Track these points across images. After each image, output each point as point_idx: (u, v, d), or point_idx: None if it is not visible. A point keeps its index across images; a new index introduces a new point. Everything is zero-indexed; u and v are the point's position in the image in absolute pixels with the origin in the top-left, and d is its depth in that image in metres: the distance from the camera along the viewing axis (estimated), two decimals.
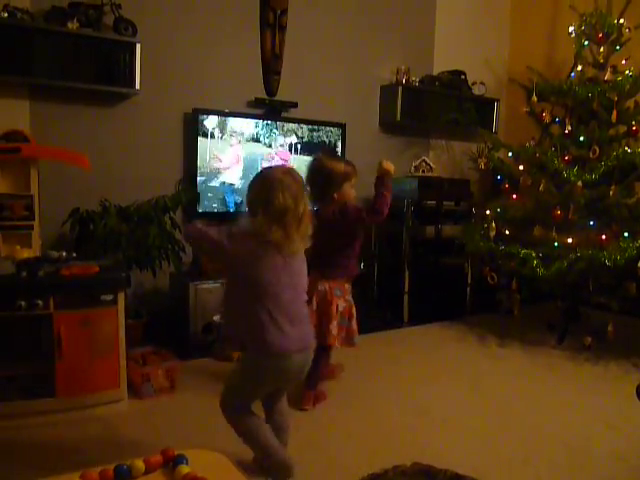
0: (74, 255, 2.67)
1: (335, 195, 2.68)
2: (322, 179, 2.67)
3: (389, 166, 2.65)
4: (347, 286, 2.76)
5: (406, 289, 4.14)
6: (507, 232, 3.82)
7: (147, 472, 1.15)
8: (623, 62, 3.82)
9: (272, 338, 1.81)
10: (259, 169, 2.25)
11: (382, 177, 2.64)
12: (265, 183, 1.86)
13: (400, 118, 4.33)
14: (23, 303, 2.28)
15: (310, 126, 3.97)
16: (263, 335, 1.81)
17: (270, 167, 2.16)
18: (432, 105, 4.47)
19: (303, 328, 1.90)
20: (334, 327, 2.64)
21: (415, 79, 4.43)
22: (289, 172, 1.91)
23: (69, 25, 3.02)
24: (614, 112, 3.64)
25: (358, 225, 2.73)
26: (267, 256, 1.82)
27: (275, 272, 1.83)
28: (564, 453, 2.27)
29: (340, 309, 2.67)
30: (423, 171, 4.46)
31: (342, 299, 2.69)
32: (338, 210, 2.66)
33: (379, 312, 4.09)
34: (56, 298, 2.35)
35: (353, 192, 2.75)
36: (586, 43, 3.94)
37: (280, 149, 3.85)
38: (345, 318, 2.70)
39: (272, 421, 2.03)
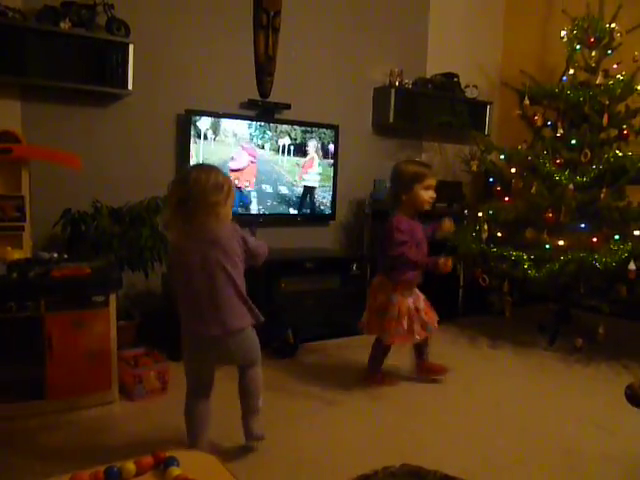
0: (65, 256, 2.66)
1: (404, 197, 2.78)
2: (392, 182, 2.86)
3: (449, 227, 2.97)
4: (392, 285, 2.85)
5: None
6: (499, 234, 3.84)
7: (138, 474, 1.15)
8: (614, 66, 3.84)
9: (186, 327, 2.09)
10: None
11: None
12: (178, 180, 2.09)
13: (393, 120, 4.34)
14: (13, 305, 2.27)
15: (303, 127, 3.98)
16: (183, 324, 2.10)
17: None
18: (425, 107, 4.48)
19: (215, 316, 2.03)
20: (365, 317, 2.92)
21: (408, 81, 4.44)
22: (200, 167, 2.21)
23: (61, 25, 3.01)
24: (605, 116, 3.66)
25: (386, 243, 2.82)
26: (181, 256, 2.05)
27: (188, 269, 2.02)
28: (556, 454, 2.28)
29: (377, 301, 2.85)
30: None
31: (381, 293, 2.85)
32: (388, 221, 2.82)
33: None
34: (47, 300, 2.34)
35: (427, 194, 2.79)
36: (578, 47, 3.97)
37: (247, 145, 3.80)
38: (379, 311, 2.85)
39: (240, 385, 2.19)
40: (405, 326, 2.79)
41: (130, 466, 1.15)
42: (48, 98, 3.17)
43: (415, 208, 2.82)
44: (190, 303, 2.05)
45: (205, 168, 2.09)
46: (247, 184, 3.79)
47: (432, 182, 2.80)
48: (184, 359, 2.13)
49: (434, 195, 2.82)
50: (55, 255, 2.62)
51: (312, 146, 4.05)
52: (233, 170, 3.69)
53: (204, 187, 1.97)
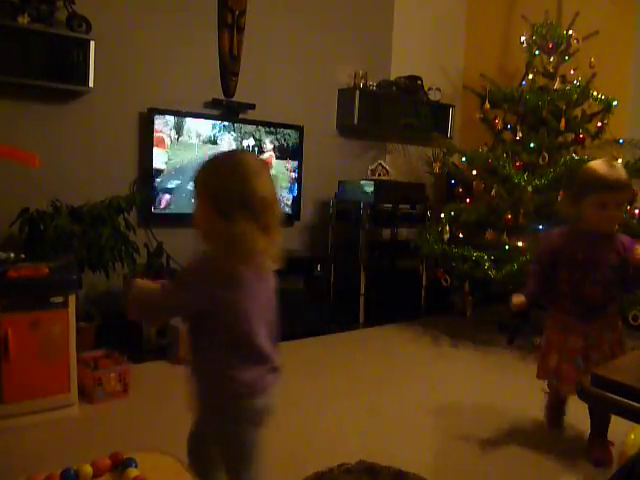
0: (22, 256, 2.60)
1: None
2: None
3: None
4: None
5: (362, 291, 4.17)
6: (460, 235, 3.91)
7: (95, 476, 1.14)
8: (572, 72, 3.96)
9: None
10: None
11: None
12: (241, 168, 1.38)
13: (357, 122, 4.37)
14: None
15: (268, 128, 3.97)
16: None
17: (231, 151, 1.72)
18: (389, 109, 4.53)
19: None
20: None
21: (372, 83, 4.48)
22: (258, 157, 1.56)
23: (19, 19, 2.94)
24: (562, 120, 3.77)
25: None
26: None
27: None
28: (516, 451, 2.33)
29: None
30: (379, 174, 4.51)
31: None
32: None
33: (335, 313, 4.10)
34: (3, 300, 2.28)
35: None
36: (537, 53, 4.07)
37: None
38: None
39: None
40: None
41: (87, 468, 1.14)
42: (5, 95, 3.09)
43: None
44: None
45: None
46: None
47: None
48: None
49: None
50: (12, 255, 2.56)
51: (269, 145, 4.00)
52: None
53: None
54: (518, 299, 2.26)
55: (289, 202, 4.14)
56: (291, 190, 4.14)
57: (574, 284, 2.16)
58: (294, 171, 4.13)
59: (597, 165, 2.06)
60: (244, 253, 1.34)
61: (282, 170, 4.07)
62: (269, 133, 3.97)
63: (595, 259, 2.10)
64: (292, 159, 4.11)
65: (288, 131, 4.05)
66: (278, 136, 4.02)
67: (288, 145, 4.08)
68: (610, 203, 1.99)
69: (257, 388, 1.45)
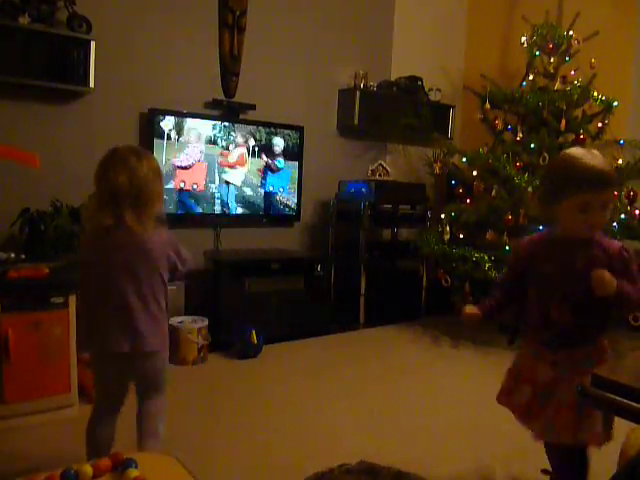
0: (23, 257, 2.61)
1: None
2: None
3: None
4: None
5: (362, 291, 4.18)
6: (461, 236, 3.92)
7: (95, 476, 1.13)
8: (572, 73, 3.96)
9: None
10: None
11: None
12: (104, 160, 1.82)
13: (358, 122, 4.37)
14: None
15: (268, 128, 3.97)
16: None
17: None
18: (389, 110, 4.53)
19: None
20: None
21: (373, 84, 4.48)
22: (134, 150, 1.86)
23: (20, 20, 2.94)
24: (563, 121, 3.78)
25: None
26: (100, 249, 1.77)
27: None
28: (515, 450, 2.33)
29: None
30: (380, 175, 4.51)
31: None
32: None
33: (335, 313, 4.10)
34: (3, 301, 2.29)
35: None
36: (537, 53, 4.08)
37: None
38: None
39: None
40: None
41: (87, 469, 1.14)
42: (6, 95, 3.09)
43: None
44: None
45: (135, 148, 1.84)
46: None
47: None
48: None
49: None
50: (12, 255, 2.56)
51: (242, 141, 3.88)
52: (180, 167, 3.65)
53: (141, 174, 1.72)
54: (471, 310, 1.87)
55: (256, 198, 3.97)
56: (263, 186, 3.99)
57: (541, 303, 1.74)
58: (268, 164, 4.01)
59: (577, 154, 1.59)
60: (86, 225, 1.87)
61: (257, 167, 3.96)
62: (244, 131, 3.88)
63: (565, 272, 1.65)
64: (292, 159, 4.10)
65: (288, 131, 4.05)
66: (254, 135, 3.93)
67: (260, 141, 3.95)
68: (594, 204, 1.55)
69: (83, 340, 1.96)
